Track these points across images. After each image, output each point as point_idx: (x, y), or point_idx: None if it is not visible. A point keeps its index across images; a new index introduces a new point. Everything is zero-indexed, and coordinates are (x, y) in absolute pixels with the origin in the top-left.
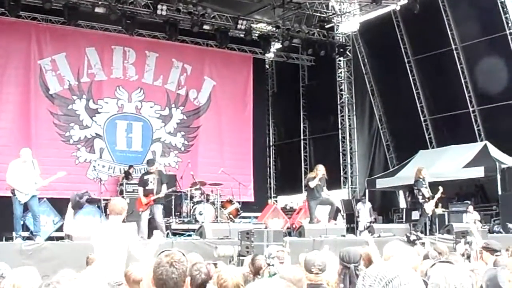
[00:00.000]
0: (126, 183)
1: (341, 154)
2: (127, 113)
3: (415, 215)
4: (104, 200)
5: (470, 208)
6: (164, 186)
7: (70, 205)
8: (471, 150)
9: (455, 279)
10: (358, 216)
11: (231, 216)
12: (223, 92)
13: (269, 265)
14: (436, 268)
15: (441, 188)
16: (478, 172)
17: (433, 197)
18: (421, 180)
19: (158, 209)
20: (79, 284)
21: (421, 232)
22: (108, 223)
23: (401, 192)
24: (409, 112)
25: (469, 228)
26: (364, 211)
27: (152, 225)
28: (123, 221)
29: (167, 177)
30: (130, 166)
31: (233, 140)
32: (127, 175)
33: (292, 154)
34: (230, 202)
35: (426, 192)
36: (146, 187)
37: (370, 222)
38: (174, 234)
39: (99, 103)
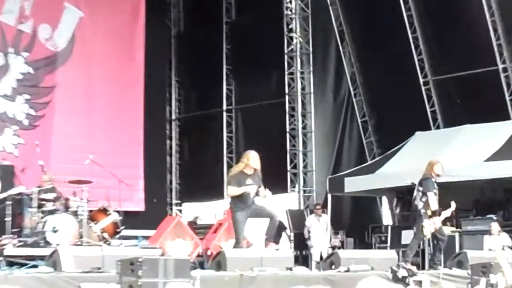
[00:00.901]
0: None
1: (288, 135)
2: None
3: (408, 236)
4: None
5: (495, 226)
6: None
7: None
8: (499, 132)
9: None
10: (308, 238)
11: (105, 235)
12: (95, 30)
13: None
14: None
15: (453, 205)
16: (510, 168)
17: (439, 213)
18: (432, 180)
19: None
20: None
21: (415, 265)
22: None
23: (384, 199)
24: (401, 69)
25: (494, 259)
26: (318, 228)
27: None
28: None
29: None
30: None
31: (111, 110)
32: None
33: (208, 134)
34: (105, 212)
35: (435, 201)
36: None
37: (333, 247)
38: (11, 264)
39: None
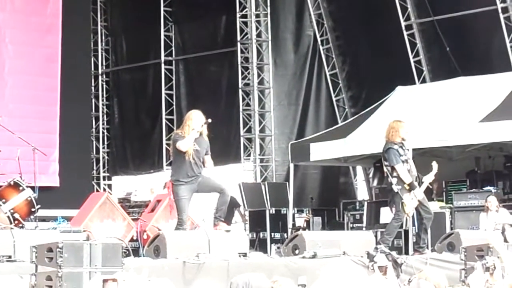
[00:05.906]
0: None
1: (241, 92)
2: None
3: (387, 214)
4: None
5: (493, 201)
6: None
7: None
8: (498, 86)
9: None
10: None
11: (17, 215)
12: None
13: None
14: None
15: (435, 166)
16: (510, 130)
17: (420, 182)
18: (395, 147)
19: None
20: None
21: (390, 248)
22: None
23: (359, 170)
24: (379, 9)
25: (492, 239)
26: None
27: None
28: None
29: None
30: None
31: (21, 63)
32: None
33: (143, 91)
34: (16, 187)
35: (406, 173)
36: None
37: (296, 228)
38: None
39: None
